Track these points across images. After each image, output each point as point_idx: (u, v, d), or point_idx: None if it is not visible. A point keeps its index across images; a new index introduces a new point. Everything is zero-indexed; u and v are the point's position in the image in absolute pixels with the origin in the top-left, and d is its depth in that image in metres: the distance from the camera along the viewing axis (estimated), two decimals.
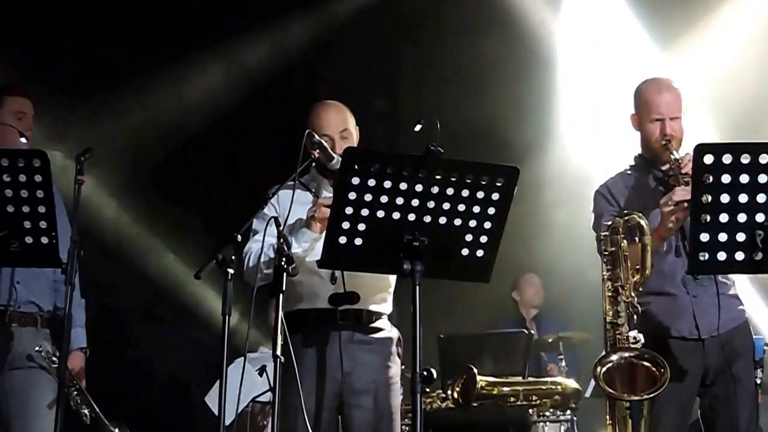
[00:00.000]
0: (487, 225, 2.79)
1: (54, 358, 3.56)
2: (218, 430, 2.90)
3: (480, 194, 2.76)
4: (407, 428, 4.28)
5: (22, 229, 3.03)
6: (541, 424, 4.73)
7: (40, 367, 3.57)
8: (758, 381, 3.40)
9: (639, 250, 3.14)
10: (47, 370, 3.57)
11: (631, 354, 3.13)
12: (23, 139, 3.60)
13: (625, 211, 3.24)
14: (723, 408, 3.25)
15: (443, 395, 4.70)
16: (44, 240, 3.05)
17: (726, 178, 2.74)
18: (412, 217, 2.74)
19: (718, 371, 3.26)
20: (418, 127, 2.91)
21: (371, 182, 2.70)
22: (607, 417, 3.21)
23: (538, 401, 4.61)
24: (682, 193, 3.13)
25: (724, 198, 2.75)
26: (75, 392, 3.72)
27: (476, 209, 2.77)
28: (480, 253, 2.82)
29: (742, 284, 3.54)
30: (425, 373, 2.68)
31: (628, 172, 3.51)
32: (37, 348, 3.57)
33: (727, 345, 3.27)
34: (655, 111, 3.36)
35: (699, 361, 3.24)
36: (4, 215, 3.00)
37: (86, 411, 3.78)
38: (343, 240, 2.74)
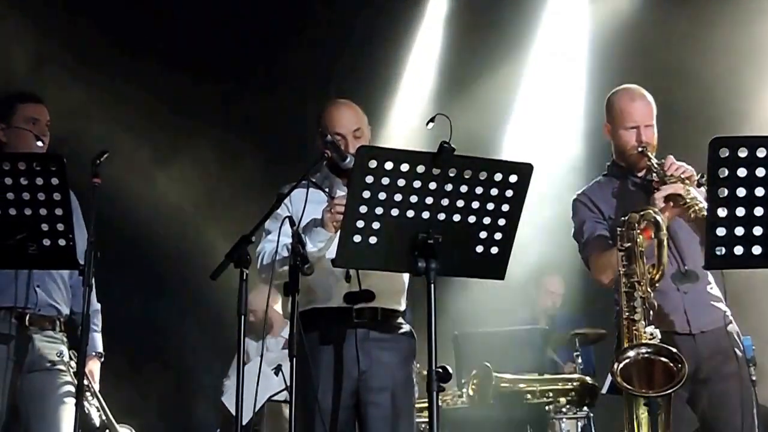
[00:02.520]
0: (502, 222, 2.79)
1: (72, 363, 3.58)
2: (236, 430, 2.91)
3: (494, 191, 2.76)
4: (424, 426, 4.28)
5: (40, 231, 3.05)
6: (557, 420, 4.72)
7: (58, 369, 3.59)
8: (753, 378, 3.41)
9: (655, 246, 3.15)
10: (66, 372, 3.59)
11: (648, 350, 3.12)
12: (39, 143, 3.61)
13: (641, 207, 3.24)
14: (723, 405, 3.25)
15: (459, 393, 4.70)
16: (61, 242, 3.08)
17: (742, 172, 2.73)
18: (426, 215, 2.74)
19: (711, 368, 3.27)
20: (430, 125, 2.91)
21: (385, 180, 2.70)
22: (625, 413, 3.21)
23: (555, 398, 4.60)
24: (671, 188, 3.20)
25: (741, 192, 2.74)
26: (89, 395, 3.75)
27: (490, 206, 2.77)
28: (494, 250, 2.81)
29: None
30: (441, 370, 2.68)
31: (604, 180, 3.55)
32: (58, 353, 3.58)
33: (718, 342, 3.29)
34: (629, 119, 3.41)
35: (691, 356, 3.23)
36: (22, 218, 3.03)
37: (98, 413, 3.82)
38: (357, 239, 2.74)
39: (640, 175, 3.47)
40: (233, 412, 2.94)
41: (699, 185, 3.25)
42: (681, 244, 3.35)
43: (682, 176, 3.26)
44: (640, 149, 3.38)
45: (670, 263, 3.28)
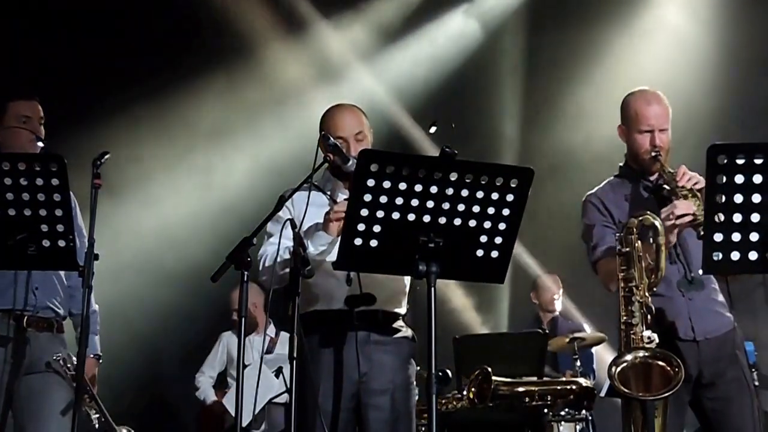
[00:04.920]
0: (502, 226, 2.81)
1: (69, 365, 3.57)
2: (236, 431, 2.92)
3: (494, 195, 2.77)
4: (423, 428, 4.29)
5: (39, 232, 3.04)
6: (556, 423, 4.73)
7: (55, 372, 3.58)
8: (756, 383, 3.43)
9: (653, 251, 3.16)
10: (63, 375, 3.58)
11: (646, 353, 3.14)
12: (40, 143, 3.58)
13: (639, 212, 3.25)
14: (727, 409, 3.26)
15: (459, 395, 4.70)
16: (61, 243, 3.07)
17: (739, 179, 2.75)
18: (427, 218, 2.76)
19: (715, 374, 3.27)
20: (433, 129, 2.93)
21: (386, 184, 2.71)
22: (622, 416, 3.22)
23: (554, 401, 4.61)
24: (684, 206, 3.18)
25: (738, 198, 2.77)
26: (87, 397, 3.74)
27: (491, 210, 2.79)
28: (495, 254, 2.83)
29: None
30: (441, 373, 2.69)
31: (615, 182, 3.52)
32: (55, 356, 3.57)
33: (722, 348, 3.30)
34: (644, 122, 3.39)
35: (694, 361, 3.24)
36: (22, 219, 3.02)
37: (96, 415, 3.81)
38: (358, 242, 2.76)
39: (652, 178, 3.44)
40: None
41: None
42: (689, 251, 3.33)
43: (694, 188, 3.23)
44: (653, 154, 3.36)
45: (677, 270, 3.29)
